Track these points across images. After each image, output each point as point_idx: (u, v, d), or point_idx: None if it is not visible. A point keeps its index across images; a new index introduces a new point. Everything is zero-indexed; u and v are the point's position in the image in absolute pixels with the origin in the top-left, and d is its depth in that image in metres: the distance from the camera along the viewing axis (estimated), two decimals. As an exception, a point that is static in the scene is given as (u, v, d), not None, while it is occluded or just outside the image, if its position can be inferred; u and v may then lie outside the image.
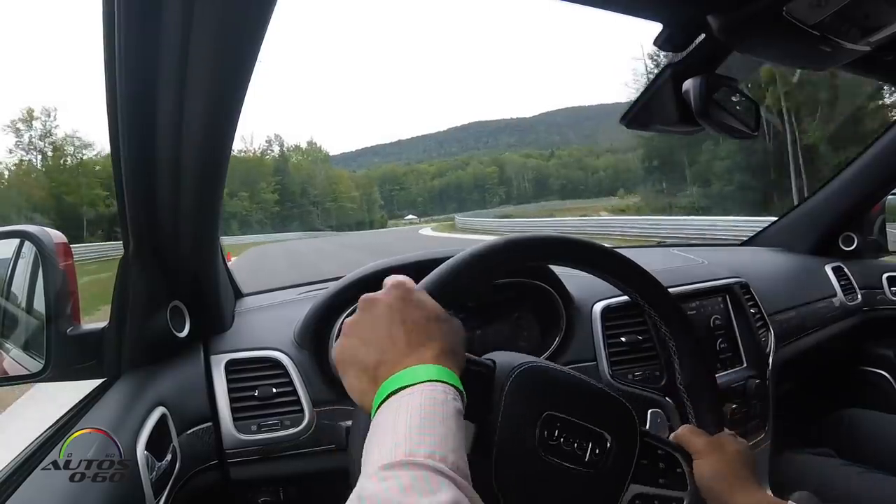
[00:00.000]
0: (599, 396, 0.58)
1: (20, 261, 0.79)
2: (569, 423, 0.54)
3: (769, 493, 0.61)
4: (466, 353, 0.52)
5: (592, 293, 1.07)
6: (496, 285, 0.99)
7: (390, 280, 0.51)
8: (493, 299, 1.02)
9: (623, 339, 1.04)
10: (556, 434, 0.53)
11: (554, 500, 0.53)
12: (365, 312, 0.48)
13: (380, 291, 0.50)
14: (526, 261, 0.66)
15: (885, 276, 1.63)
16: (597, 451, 0.54)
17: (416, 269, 0.58)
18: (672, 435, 0.65)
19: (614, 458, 0.55)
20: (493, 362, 0.56)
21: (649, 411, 0.67)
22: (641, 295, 0.66)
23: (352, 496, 0.34)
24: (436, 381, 0.42)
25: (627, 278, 0.65)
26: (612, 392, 0.59)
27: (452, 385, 0.43)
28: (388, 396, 0.42)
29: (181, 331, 0.84)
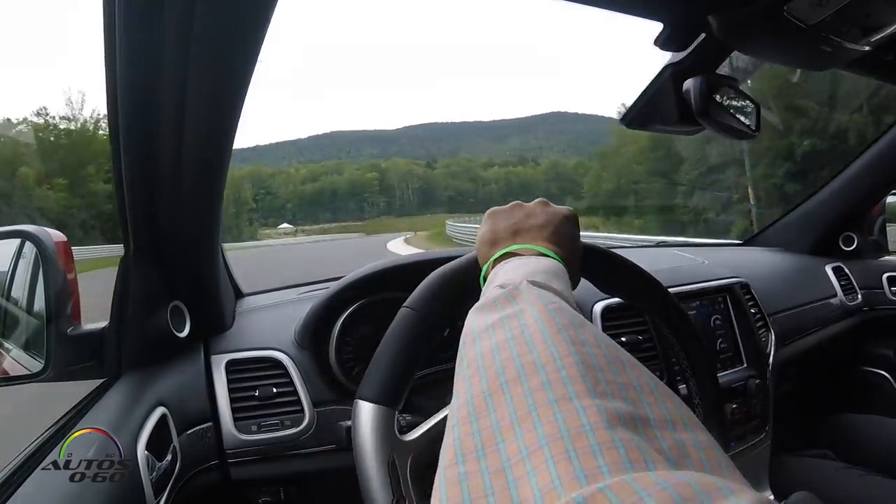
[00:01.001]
0: None
1: (21, 261, 0.79)
2: None
3: (771, 497, 0.61)
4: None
5: (592, 293, 1.07)
6: None
7: (568, 207, 0.58)
8: None
9: (623, 339, 1.04)
10: None
11: None
12: (537, 205, 0.57)
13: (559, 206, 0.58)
14: None
15: (885, 276, 1.63)
16: None
17: (417, 269, 0.58)
18: None
19: None
20: None
21: None
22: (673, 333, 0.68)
23: (493, 291, 0.40)
24: (559, 262, 0.48)
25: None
26: None
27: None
28: (511, 255, 0.50)
29: (181, 331, 0.84)
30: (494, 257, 0.51)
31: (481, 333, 0.34)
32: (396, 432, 0.54)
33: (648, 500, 0.18)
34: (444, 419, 0.58)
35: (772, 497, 1.19)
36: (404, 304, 0.57)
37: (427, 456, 0.56)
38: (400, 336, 0.55)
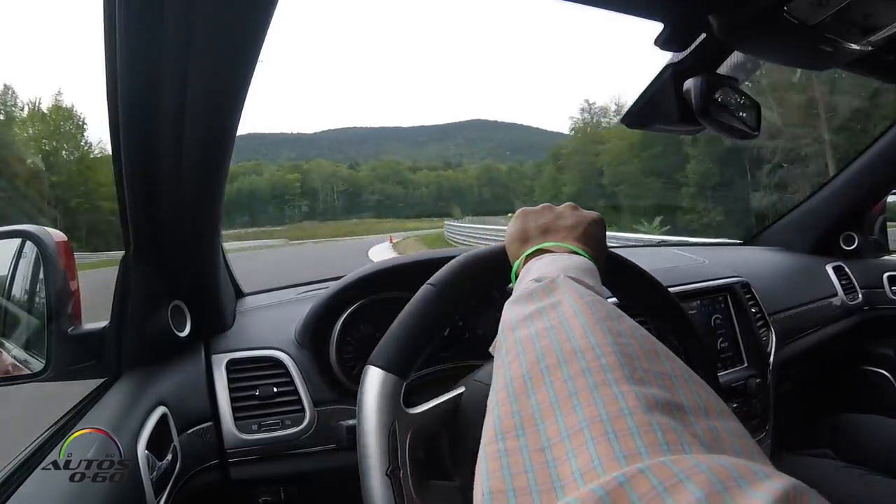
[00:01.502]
0: None
1: (21, 261, 0.79)
2: None
3: None
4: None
5: None
6: None
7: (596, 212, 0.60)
8: (492, 300, 1.02)
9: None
10: None
11: None
12: (566, 207, 0.59)
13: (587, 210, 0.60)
14: None
15: (885, 275, 1.63)
16: None
17: (418, 269, 0.58)
18: None
19: None
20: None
21: None
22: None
23: (529, 284, 0.40)
24: (590, 261, 0.49)
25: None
26: None
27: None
28: (545, 250, 0.52)
29: (182, 330, 0.84)
30: (526, 253, 0.52)
31: (520, 322, 0.35)
32: (401, 403, 0.55)
33: (686, 481, 0.18)
34: (451, 399, 0.59)
35: None
36: (427, 282, 0.58)
37: (427, 431, 0.57)
38: (418, 310, 0.56)
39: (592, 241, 0.55)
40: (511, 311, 0.38)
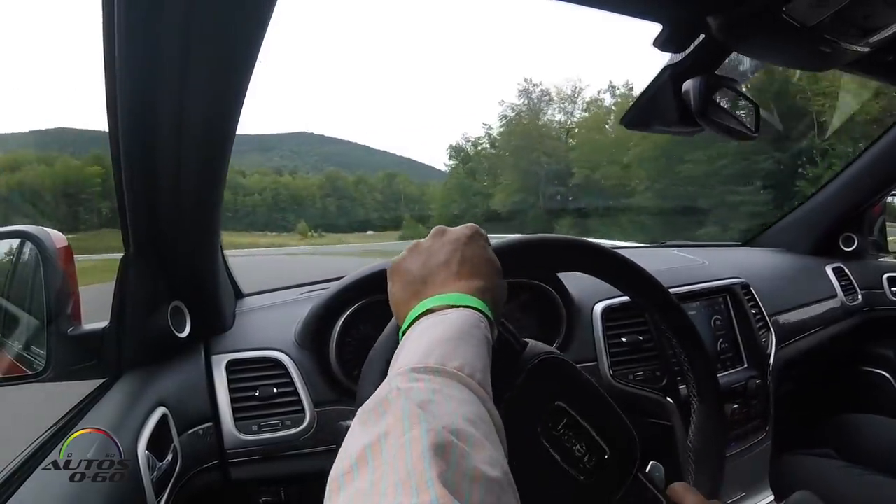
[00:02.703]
0: (611, 412, 0.58)
1: (21, 261, 0.79)
2: (575, 422, 0.54)
3: None
4: (507, 325, 0.54)
5: (593, 293, 1.07)
6: None
7: (467, 224, 0.53)
8: None
9: (624, 339, 1.04)
10: (560, 427, 0.54)
11: (538, 491, 0.53)
12: (433, 238, 0.51)
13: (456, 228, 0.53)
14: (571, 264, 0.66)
15: (885, 276, 1.63)
16: (592, 460, 0.55)
17: None
18: (668, 487, 0.64)
19: (607, 475, 0.55)
20: (526, 344, 0.57)
21: (651, 463, 0.69)
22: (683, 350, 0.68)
23: (381, 388, 0.35)
24: (476, 309, 0.44)
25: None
26: (625, 418, 0.59)
27: (489, 319, 0.44)
28: (427, 312, 0.44)
29: (182, 331, 0.84)
30: (409, 320, 0.45)
31: (346, 474, 0.32)
32: None
33: None
34: None
35: (772, 497, 1.19)
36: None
37: None
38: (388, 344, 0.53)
39: (477, 268, 0.48)
40: (349, 439, 0.34)
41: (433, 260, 0.48)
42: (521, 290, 1.03)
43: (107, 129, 0.63)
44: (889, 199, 1.65)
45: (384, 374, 0.51)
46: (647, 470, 0.65)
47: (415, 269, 0.49)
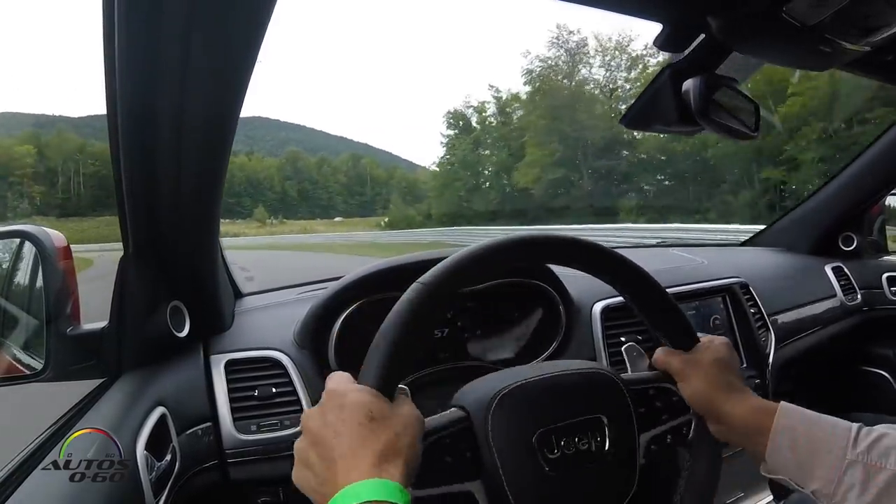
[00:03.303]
0: (576, 384, 0.58)
1: (20, 261, 0.79)
2: (561, 428, 0.54)
3: (753, 396, 0.62)
4: (433, 420, 0.52)
5: (592, 293, 1.07)
6: (494, 286, 0.99)
7: (325, 389, 0.50)
8: (491, 300, 1.02)
9: (623, 338, 1.04)
10: (554, 447, 0.53)
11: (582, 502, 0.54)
12: (305, 433, 0.49)
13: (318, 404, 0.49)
14: (529, 261, 0.65)
15: (884, 276, 1.63)
16: (598, 438, 0.55)
17: (416, 269, 0.58)
18: (651, 363, 0.66)
19: (616, 432, 0.56)
20: (464, 409, 0.55)
21: (623, 349, 0.69)
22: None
23: None
24: (372, 501, 0.39)
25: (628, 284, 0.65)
26: (585, 367, 0.59)
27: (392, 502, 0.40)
28: None
29: (181, 330, 0.84)
30: None
31: None
32: None
33: None
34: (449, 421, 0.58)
35: (771, 497, 1.19)
36: (415, 282, 0.55)
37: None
38: (401, 319, 0.53)
39: (389, 440, 0.44)
40: None
41: (339, 443, 0.45)
42: (520, 291, 1.03)
43: (107, 130, 0.63)
44: (888, 202, 1.65)
45: (382, 372, 0.52)
46: (623, 349, 0.66)
47: (316, 457, 0.46)
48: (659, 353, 0.66)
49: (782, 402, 0.60)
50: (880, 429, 0.55)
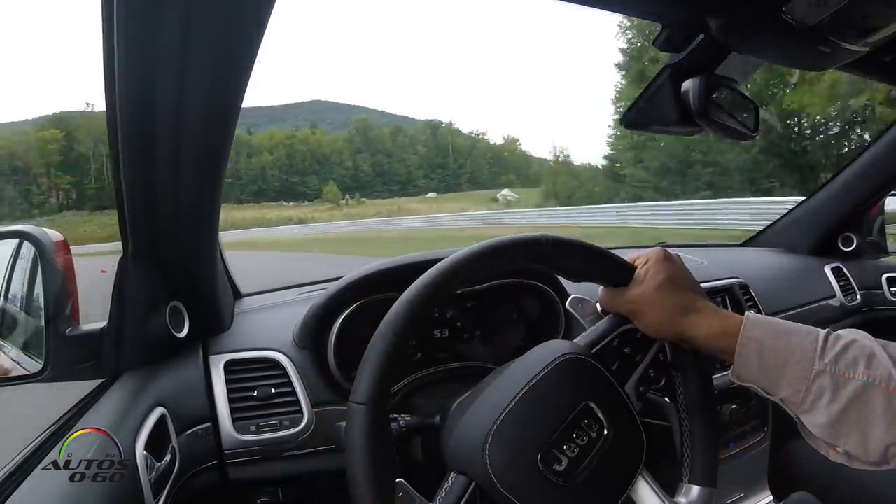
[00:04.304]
0: (550, 382, 0.56)
1: (19, 261, 0.79)
2: (557, 438, 0.54)
3: (713, 312, 0.60)
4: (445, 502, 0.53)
5: (591, 293, 1.07)
6: (494, 286, 0.99)
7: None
8: (490, 301, 1.02)
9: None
10: (559, 459, 0.53)
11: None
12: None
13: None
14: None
15: (884, 276, 1.63)
16: (593, 425, 0.55)
17: (415, 270, 0.58)
18: (598, 307, 0.65)
19: (606, 408, 0.56)
20: (465, 473, 0.55)
21: (567, 306, 0.68)
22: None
23: None
24: None
25: None
26: (546, 359, 0.58)
27: None
28: None
29: (180, 331, 0.84)
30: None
31: None
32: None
33: None
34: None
35: (770, 497, 1.19)
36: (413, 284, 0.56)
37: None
38: (392, 330, 0.54)
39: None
40: None
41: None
42: (519, 291, 1.03)
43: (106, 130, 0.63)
44: (888, 199, 1.65)
45: (380, 372, 0.52)
46: (567, 304, 0.65)
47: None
48: (603, 297, 0.64)
49: (748, 314, 0.58)
50: (848, 336, 0.55)
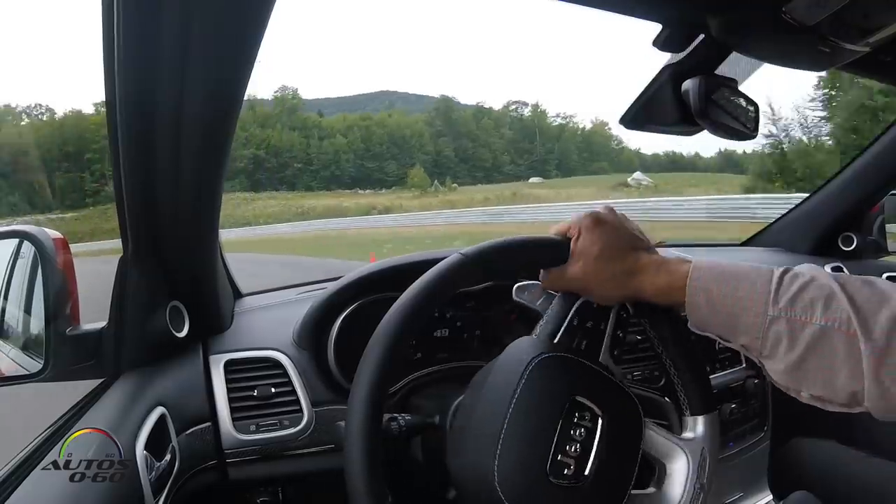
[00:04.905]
0: (532, 388, 0.56)
1: (19, 261, 0.79)
2: (557, 445, 0.54)
3: (658, 270, 0.58)
4: None
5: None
6: (493, 286, 0.99)
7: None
8: (491, 300, 1.01)
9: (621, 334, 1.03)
10: (565, 466, 0.54)
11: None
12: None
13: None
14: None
15: (884, 276, 1.63)
16: (586, 416, 0.55)
17: (415, 270, 0.58)
18: (542, 285, 0.65)
19: (593, 395, 0.56)
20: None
21: (514, 295, 0.67)
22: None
23: None
24: None
25: None
26: (514, 364, 0.58)
27: None
28: None
29: (180, 331, 0.84)
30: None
31: None
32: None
33: None
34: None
35: (770, 497, 1.19)
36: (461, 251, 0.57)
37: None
38: (389, 331, 0.55)
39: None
40: None
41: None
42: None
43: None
44: (888, 198, 1.64)
45: (379, 372, 0.52)
46: (513, 295, 0.66)
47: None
48: (545, 280, 0.63)
49: (694, 261, 0.56)
50: (806, 273, 0.52)
